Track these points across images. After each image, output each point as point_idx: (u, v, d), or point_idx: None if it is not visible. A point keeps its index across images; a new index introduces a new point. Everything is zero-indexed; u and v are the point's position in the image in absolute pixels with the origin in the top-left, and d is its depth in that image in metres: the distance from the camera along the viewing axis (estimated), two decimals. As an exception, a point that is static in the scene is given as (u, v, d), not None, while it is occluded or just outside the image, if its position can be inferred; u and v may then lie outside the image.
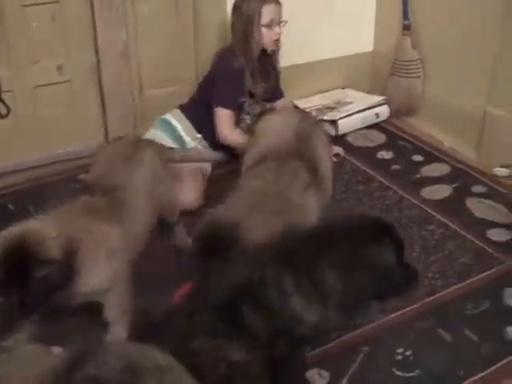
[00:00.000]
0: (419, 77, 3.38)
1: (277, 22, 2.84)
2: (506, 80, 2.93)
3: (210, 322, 1.65)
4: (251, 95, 2.90)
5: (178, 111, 2.88)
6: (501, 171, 2.99)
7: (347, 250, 1.62)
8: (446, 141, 3.24)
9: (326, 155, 2.24)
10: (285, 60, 3.15)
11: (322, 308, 1.63)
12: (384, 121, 3.44)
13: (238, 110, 2.87)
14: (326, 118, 3.32)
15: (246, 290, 1.65)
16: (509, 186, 2.90)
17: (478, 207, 2.76)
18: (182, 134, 2.84)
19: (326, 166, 2.20)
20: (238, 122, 2.90)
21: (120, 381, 1.35)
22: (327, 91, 3.58)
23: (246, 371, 1.63)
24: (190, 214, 2.65)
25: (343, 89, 3.62)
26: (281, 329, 1.65)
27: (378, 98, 3.46)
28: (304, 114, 2.76)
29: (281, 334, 1.66)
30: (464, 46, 3.13)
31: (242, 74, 2.80)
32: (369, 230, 1.66)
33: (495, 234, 2.57)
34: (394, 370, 1.97)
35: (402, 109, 3.44)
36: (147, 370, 1.38)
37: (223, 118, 2.82)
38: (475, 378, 1.94)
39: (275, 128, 2.28)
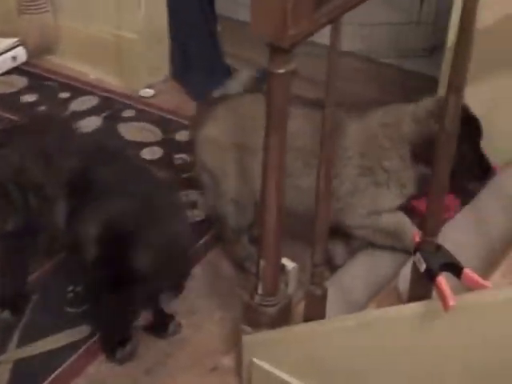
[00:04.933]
0: (48, 11, 3.25)
1: None
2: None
3: None
4: None
5: None
6: (146, 92, 3.07)
7: None
8: (91, 73, 3.21)
9: None
10: None
11: None
12: (23, 63, 3.26)
13: None
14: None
15: None
16: (154, 104, 3.00)
17: (130, 131, 2.80)
18: None
19: None
20: None
21: None
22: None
23: None
24: None
25: (-28, 35, 3.36)
26: None
27: (12, 41, 3.26)
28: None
29: None
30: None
31: None
32: None
33: (148, 153, 2.66)
34: (66, 308, 1.96)
35: (39, 47, 3.29)
36: None
37: None
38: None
39: None
